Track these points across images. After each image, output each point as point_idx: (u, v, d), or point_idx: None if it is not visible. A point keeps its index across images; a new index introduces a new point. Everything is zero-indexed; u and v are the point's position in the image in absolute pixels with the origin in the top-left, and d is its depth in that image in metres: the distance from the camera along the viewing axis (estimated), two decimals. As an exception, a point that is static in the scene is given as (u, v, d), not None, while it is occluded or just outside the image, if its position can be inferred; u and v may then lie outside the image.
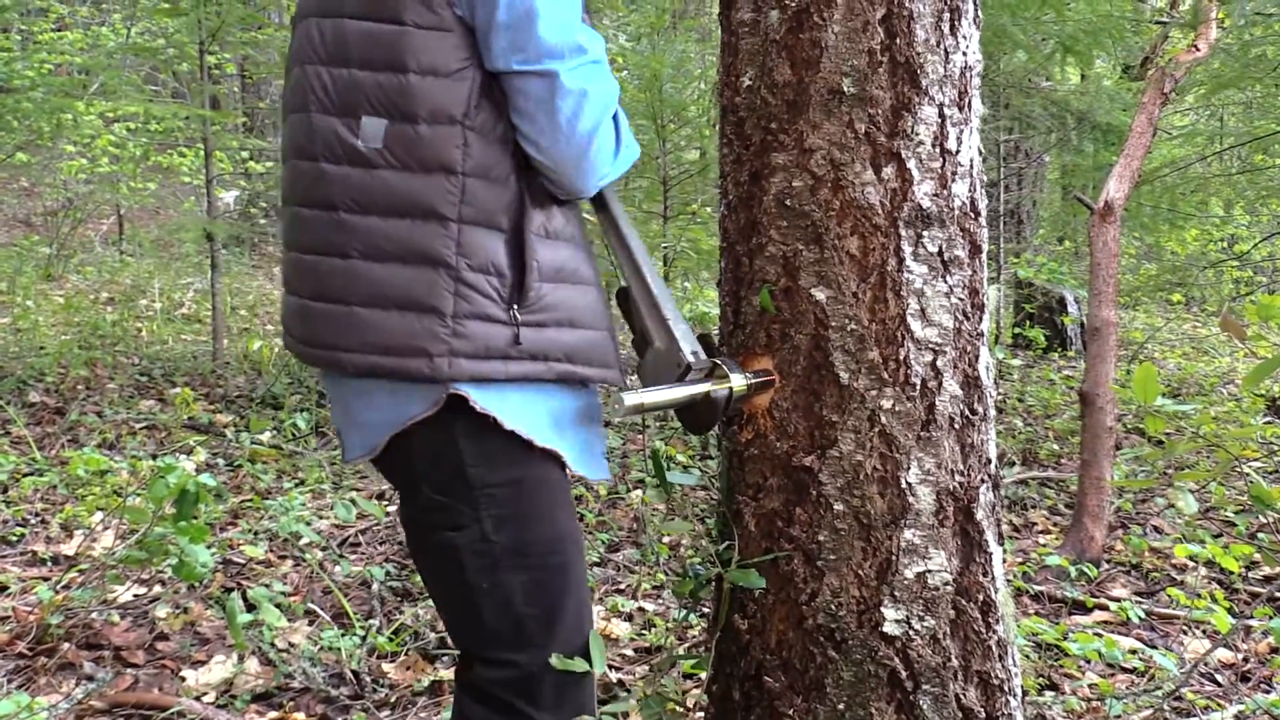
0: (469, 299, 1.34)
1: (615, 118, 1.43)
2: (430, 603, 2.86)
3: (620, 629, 2.79)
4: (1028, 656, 2.55)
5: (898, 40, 1.54)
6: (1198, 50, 4.35)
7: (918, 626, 1.56)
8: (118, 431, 4.55)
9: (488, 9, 1.32)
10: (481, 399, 1.37)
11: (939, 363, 1.59)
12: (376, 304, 1.35)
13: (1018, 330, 7.49)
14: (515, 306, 1.37)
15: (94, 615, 2.66)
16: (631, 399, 1.43)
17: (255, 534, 3.39)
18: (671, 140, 4.50)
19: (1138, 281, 7.60)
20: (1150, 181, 5.96)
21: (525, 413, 1.41)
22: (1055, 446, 4.89)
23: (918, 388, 1.57)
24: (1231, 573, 3.18)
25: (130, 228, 10.05)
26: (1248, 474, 2.40)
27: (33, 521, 3.48)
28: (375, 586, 2.97)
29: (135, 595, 2.85)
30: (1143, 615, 2.97)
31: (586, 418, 1.51)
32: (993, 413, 1.68)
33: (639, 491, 3.89)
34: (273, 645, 2.60)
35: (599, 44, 1.40)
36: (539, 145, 1.37)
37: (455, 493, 1.41)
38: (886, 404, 1.56)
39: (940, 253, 1.58)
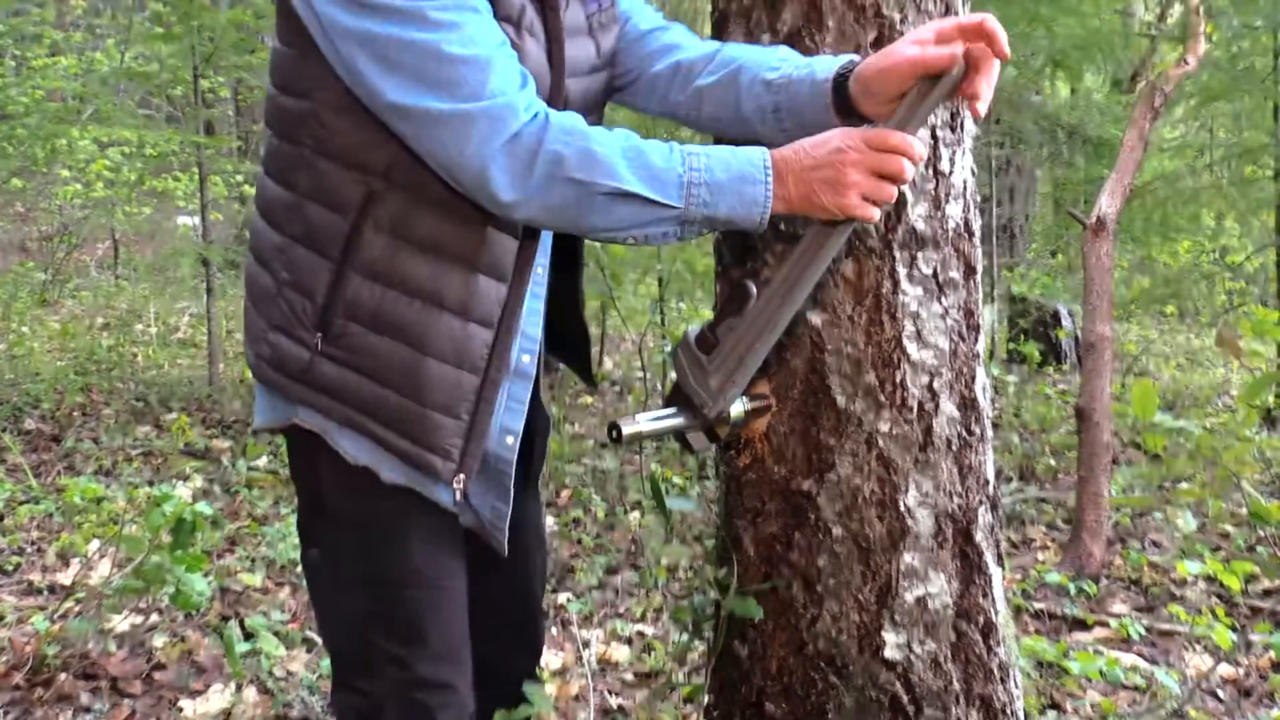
0: (283, 312, 1.34)
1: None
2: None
3: (620, 653, 2.78)
4: (1029, 676, 2.54)
5: (889, 64, 1.54)
6: (1187, 64, 4.37)
7: (919, 651, 1.56)
8: (114, 458, 4.54)
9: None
10: (314, 421, 1.36)
11: (936, 385, 1.59)
12: (247, 291, 1.43)
13: (1012, 345, 7.50)
14: (320, 335, 1.33)
15: (91, 645, 2.64)
16: (629, 428, 1.43)
17: (252, 561, 3.38)
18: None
19: (1131, 294, 7.63)
20: (1142, 195, 5.99)
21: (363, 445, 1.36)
22: (1052, 462, 4.89)
23: (915, 410, 1.57)
24: (1231, 587, 3.17)
25: (125, 252, 10.07)
26: (1245, 490, 2.40)
27: (29, 550, 3.46)
28: (373, 612, 2.95)
29: (132, 624, 2.83)
30: (1143, 631, 2.96)
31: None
32: (990, 434, 1.68)
33: (637, 514, 3.88)
34: (271, 674, 2.59)
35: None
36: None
37: (315, 509, 1.43)
38: (884, 427, 1.56)
39: (935, 274, 1.59)
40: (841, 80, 1.33)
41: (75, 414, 5.19)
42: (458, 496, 1.38)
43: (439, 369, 1.33)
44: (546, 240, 1.44)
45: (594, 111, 1.48)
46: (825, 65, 1.36)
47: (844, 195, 1.23)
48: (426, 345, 1.32)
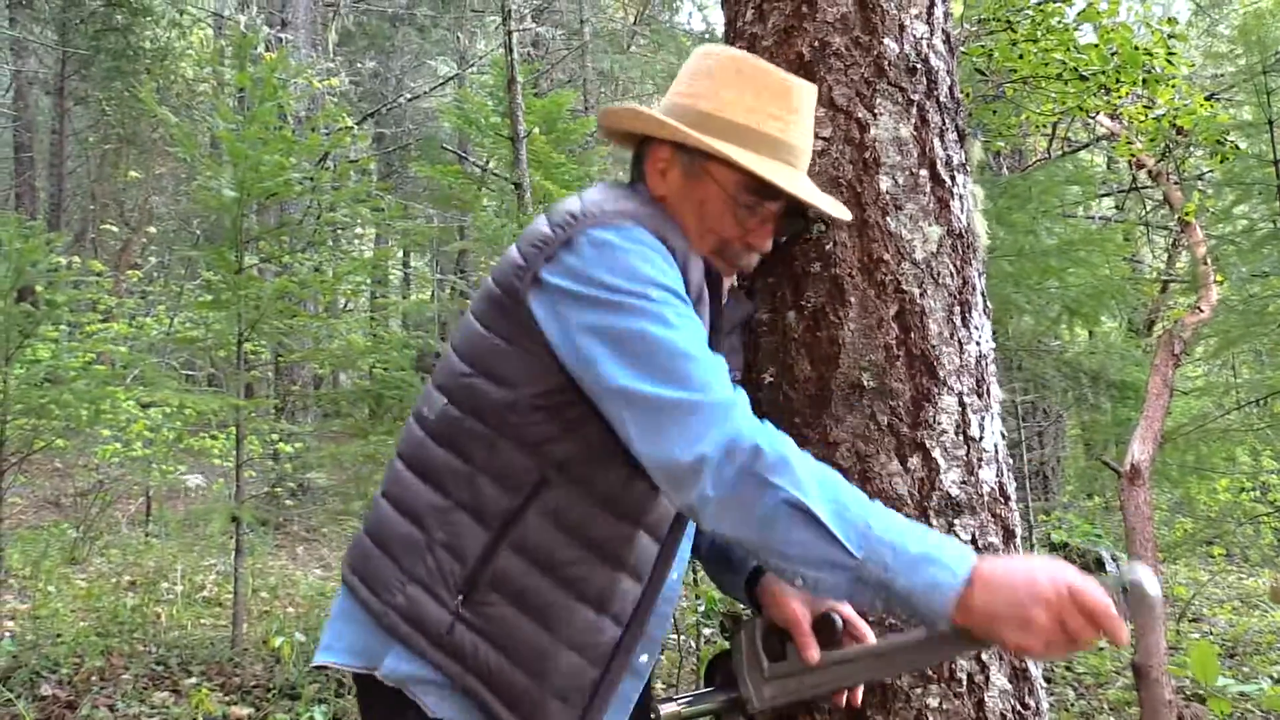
0: (428, 568, 1.39)
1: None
2: None
3: None
4: None
5: (912, 335, 1.59)
6: (1201, 312, 4.48)
7: None
8: (128, 728, 4.37)
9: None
10: (402, 670, 1.37)
11: (984, 655, 1.53)
12: (374, 535, 1.47)
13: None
14: (461, 598, 1.37)
15: None
16: (668, 710, 1.38)
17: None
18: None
19: (1175, 537, 7.44)
20: (1173, 438, 5.97)
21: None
22: (1112, 719, 4.61)
23: (964, 683, 1.50)
24: None
25: (158, 508, 10.12)
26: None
27: (31, 835, 3.27)
28: None
29: None
30: None
31: None
32: (1045, 705, 1.60)
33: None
34: None
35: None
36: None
37: None
38: (933, 702, 1.49)
39: (974, 540, 1.56)
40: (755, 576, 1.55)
41: (93, 678, 5.05)
42: None
43: (566, 657, 1.37)
44: (684, 550, 1.50)
45: None
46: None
47: (1028, 637, 1.15)
48: (559, 630, 1.37)
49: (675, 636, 4.70)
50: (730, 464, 1.21)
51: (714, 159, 1.46)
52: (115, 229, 14.95)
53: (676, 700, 1.41)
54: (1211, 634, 6.58)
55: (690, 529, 1.52)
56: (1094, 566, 7.22)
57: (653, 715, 1.38)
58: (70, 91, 14.84)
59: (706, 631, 4.41)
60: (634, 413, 1.28)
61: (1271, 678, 5.24)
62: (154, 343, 7.79)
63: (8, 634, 5.71)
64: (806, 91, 1.51)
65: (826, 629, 1.39)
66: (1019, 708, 1.54)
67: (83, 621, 6.28)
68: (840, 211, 1.53)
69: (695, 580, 4.82)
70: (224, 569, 8.01)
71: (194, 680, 5.01)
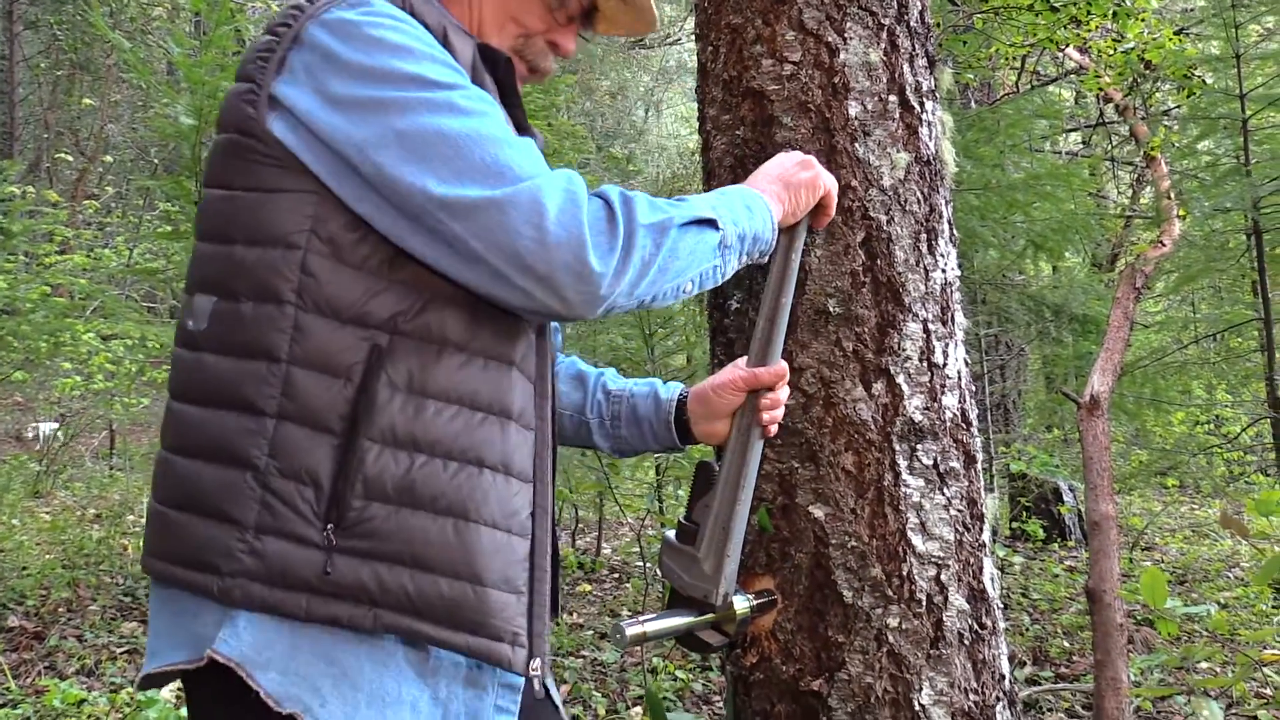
0: (274, 511, 1.10)
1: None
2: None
3: None
4: None
5: (878, 261, 1.60)
6: (1163, 246, 4.52)
7: None
8: (98, 657, 4.39)
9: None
10: (235, 650, 1.08)
11: (943, 577, 1.56)
12: (174, 503, 1.16)
13: (1015, 524, 7.42)
14: (331, 526, 1.09)
15: None
16: (633, 629, 1.39)
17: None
18: (660, 346, 4.60)
19: (1130, 468, 7.62)
20: (1131, 371, 6.08)
21: (319, 683, 1.09)
22: (1065, 643, 4.76)
23: (924, 604, 1.54)
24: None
25: (121, 442, 10.06)
26: (1270, 677, 2.33)
27: (2, 761, 3.30)
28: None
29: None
30: (1177, 830, 2.80)
31: (437, 702, 1.14)
32: (1002, 625, 1.64)
33: (639, 710, 3.73)
34: None
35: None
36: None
37: None
38: (893, 622, 1.52)
39: (935, 465, 1.59)
40: (682, 401, 1.48)
41: (60, 610, 5.06)
42: (537, 688, 1.21)
43: (491, 537, 1.14)
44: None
45: None
46: (666, 388, 1.51)
47: (817, 193, 1.43)
48: (472, 511, 1.14)
49: (641, 563, 4.77)
50: (610, 231, 1.10)
51: None
52: (70, 158, 14.60)
53: (642, 620, 1.43)
54: (1163, 562, 6.77)
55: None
56: (1052, 497, 7.39)
57: (617, 635, 1.40)
58: (20, 15, 14.35)
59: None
60: (467, 225, 1.07)
61: (1218, 603, 5.42)
62: (113, 274, 7.65)
63: (-28, 566, 5.69)
64: None
65: (704, 473, 1.44)
66: (976, 627, 1.58)
67: (48, 554, 6.27)
68: (649, 22, 1.45)
69: (661, 509, 4.89)
70: (190, 502, 7.99)
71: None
